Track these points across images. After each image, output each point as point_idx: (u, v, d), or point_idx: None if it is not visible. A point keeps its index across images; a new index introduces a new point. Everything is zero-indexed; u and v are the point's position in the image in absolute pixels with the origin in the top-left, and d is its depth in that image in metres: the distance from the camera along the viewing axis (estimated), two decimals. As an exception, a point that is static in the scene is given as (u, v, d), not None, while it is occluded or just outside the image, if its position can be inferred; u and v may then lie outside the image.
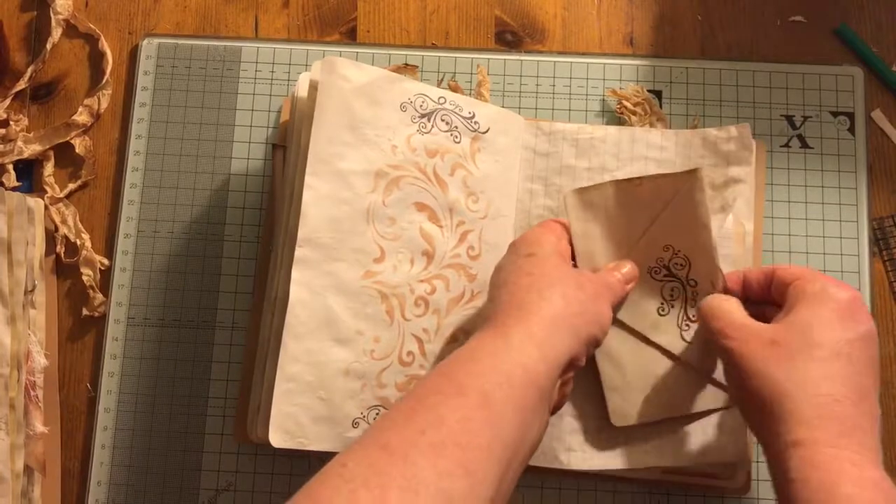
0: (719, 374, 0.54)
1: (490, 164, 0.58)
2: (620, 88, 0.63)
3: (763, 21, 0.65)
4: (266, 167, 0.63)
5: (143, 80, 0.64)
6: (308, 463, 0.59)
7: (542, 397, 0.45)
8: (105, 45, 0.65)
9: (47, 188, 0.63)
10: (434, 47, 0.65)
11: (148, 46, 0.65)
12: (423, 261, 0.56)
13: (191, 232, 0.62)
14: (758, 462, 0.58)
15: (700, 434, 0.55)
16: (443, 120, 0.57)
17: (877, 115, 0.63)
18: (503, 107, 0.61)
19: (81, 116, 0.64)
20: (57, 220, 0.62)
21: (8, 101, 0.64)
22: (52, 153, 0.64)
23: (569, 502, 0.58)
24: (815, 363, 0.44)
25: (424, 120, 0.56)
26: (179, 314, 0.61)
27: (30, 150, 0.63)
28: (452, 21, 0.65)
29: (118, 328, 0.61)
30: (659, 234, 0.53)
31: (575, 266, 0.54)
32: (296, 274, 0.52)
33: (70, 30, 0.66)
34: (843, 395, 0.43)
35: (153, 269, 0.62)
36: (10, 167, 0.63)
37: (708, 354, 0.54)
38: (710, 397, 0.54)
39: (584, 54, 0.64)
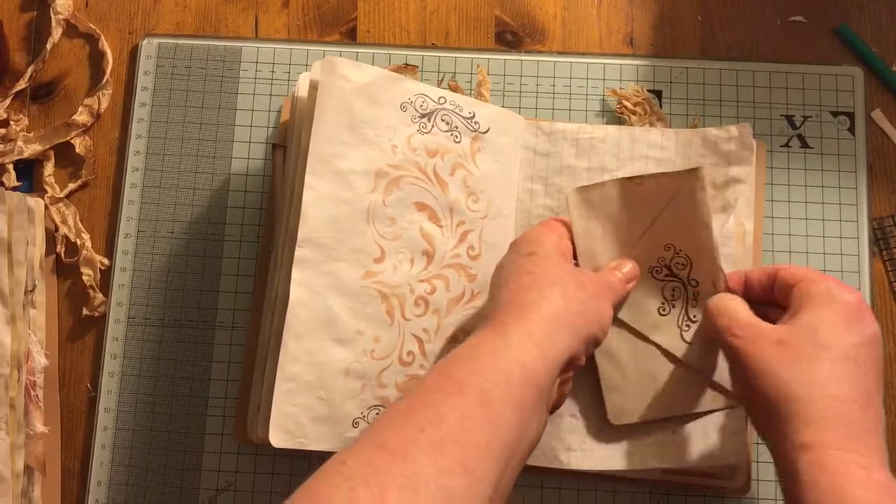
0: (719, 375, 0.54)
1: (490, 163, 0.58)
2: (620, 88, 0.63)
3: (763, 21, 0.65)
4: (266, 167, 0.63)
5: (144, 80, 0.64)
6: (308, 463, 0.59)
7: (540, 396, 0.45)
8: (105, 45, 0.65)
9: (47, 188, 0.63)
10: (434, 47, 0.65)
11: (148, 46, 0.65)
12: (423, 261, 0.56)
13: (191, 232, 0.62)
14: (758, 462, 0.58)
15: (701, 436, 0.54)
16: (443, 120, 0.57)
17: (877, 115, 0.63)
18: (503, 107, 0.61)
19: (81, 116, 0.64)
20: (57, 219, 0.62)
21: (8, 101, 0.64)
22: (52, 153, 0.64)
23: (569, 502, 0.58)
24: (823, 365, 0.44)
25: (424, 120, 0.56)
26: (179, 314, 0.61)
27: (30, 149, 0.63)
28: (452, 21, 0.65)
29: (118, 328, 0.61)
30: (660, 234, 0.53)
31: (577, 265, 0.54)
32: (296, 274, 0.52)
33: (70, 30, 0.66)
34: (850, 397, 0.43)
35: (153, 269, 0.62)
36: (11, 167, 0.63)
37: (708, 355, 0.54)
38: (709, 398, 0.54)
39: (584, 54, 0.64)
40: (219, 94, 0.64)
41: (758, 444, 0.58)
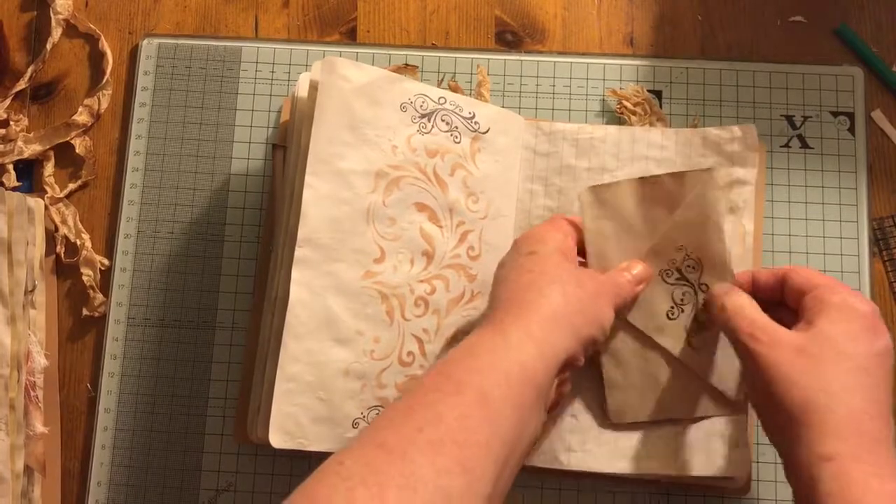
0: (722, 381, 0.54)
1: (490, 164, 0.58)
2: (620, 88, 0.63)
3: (763, 21, 0.65)
4: (266, 167, 0.63)
5: (143, 80, 0.64)
6: (308, 463, 0.59)
7: (539, 395, 0.45)
8: (105, 45, 0.65)
9: (47, 188, 0.63)
10: (434, 47, 0.65)
11: (148, 46, 0.64)
12: (423, 261, 0.56)
13: (191, 232, 0.62)
14: (758, 462, 0.58)
15: (703, 444, 0.54)
16: (443, 120, 0.57)
17: (877, 115, 0.63)
18: (503, 107, 0.61)
19: (81, 116, 0.64)
20: (57, 220, 0.62)
21: (8, 101, 0.64)
22: (52, 153, 0.64)
23: (568, 502, 0.58)
24: (840, 375, 0.44)
25: (424, 120, 0.56)
26: (179, 314, 0.61)
27: (30, 150, 0.63)
28: (452, 21, 0.65)
29: (118, 328, 0.61)
30: (672, 235, 0.53)
31: (585, 265, 0.54)
32: (296, 274, 0.52)
33: (70, 30, 0.66)
34: (863, 407, 0.43)
35: (153, 270, 0.62)
36: (11, 167, 0.63)
37: (714, 362, 0.53)
38: (712, 405, 0.54)
39: (584, 54, 0.64)
40: (219, 95, 0.64)
41: (758, 444, 0.58)
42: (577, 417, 0.56)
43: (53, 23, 0.65)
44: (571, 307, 0.47)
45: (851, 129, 0.62)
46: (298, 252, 0.52)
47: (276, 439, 0.51)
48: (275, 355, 0.52)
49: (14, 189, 0.62)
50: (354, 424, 0.53)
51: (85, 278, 0.61)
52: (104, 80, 0.64)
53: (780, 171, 0.62)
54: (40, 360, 0.59)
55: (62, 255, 0.62)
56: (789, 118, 0.63)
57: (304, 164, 0.53)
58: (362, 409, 0.53)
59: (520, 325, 0.46)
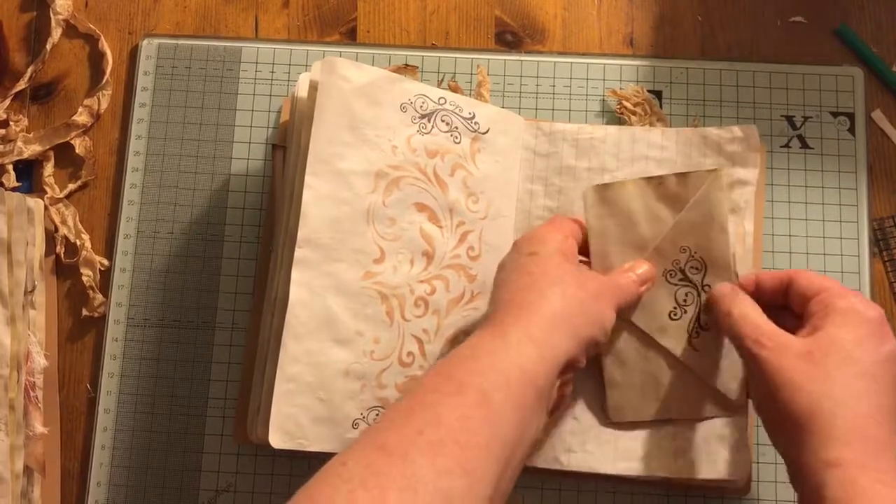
0: (723, 383, 0.53)
1: (490, 164, 0.58)
2: (620, 89, 0.63)
3: (763, 21, 0.65)
4: (266, 167, 0.63)
5: (143, 81, 0.64)
6: (308, 464, 0.59)
7: (539, 397, 0.44)
8: (105, 46, 0.65)
9: (47, 188, 0.63)
10: (434, 48, 0.65)
11: (148, 47, 0.64)
12: (422, 261, 0.55)
13: (191, 232, 0.62)
14: (758, 463, 0.58)
15: (704, 448, 0.54)
16: (443, 120, 0.57)
17: (877, 115, 0.63)
18: (503, 107, 0.61)
19: (81, 117, 0.64)
20: (57, 220, 0.62)
21: (8, 102, 0.64)
22: (51, 153, 0.64)
23: (569, 503, 0.58)
24: (847, 380, 0.44)
25: (424, 120, 0.56)
26: (179, 315, 0.61)
27: (30, 150, 0.63)
28: (452, 21, 0.65)
29: (118, 329, 0.61)
30: (676, 235, 0.53)
31: (587, 264, 0.54)
32: (296, 274, 0.52)
33: (70, 30, 0.66)
34: (869, 413, 0.43)
35: (153, 270, 0.62)
36: (10, 167, 0.63)
37: (715, 364, 0.53)
38: (711, 406, 0.54)
39: (584, 55, 0.64)
40: (219, 95, 0.64)
41: (758, 445, 0.58)
42: (578, 418, 0.56)
43: (53, 23, 0.65)
44: (572, 308, 0.47)
45: (851, 130, 0.62)
46: (298, 252, 0.52)
47: (276, 440, 0.51)
48: (274, 356, 0.52)
49: (14, 189, 0.62)
50: (354, 425, 0.53)
51: (84, 279, 0.61)
52: (104, 81, 0.64)
53: (780, 171, 0.62)
54: (40, 361, 0.59)
55: (62, 256, 0.62)
56: (789, 118, 0.63)
57: (304, 165, 0.53)
58: (362, 409, 0.53)
59: (520, 326, 0.46)
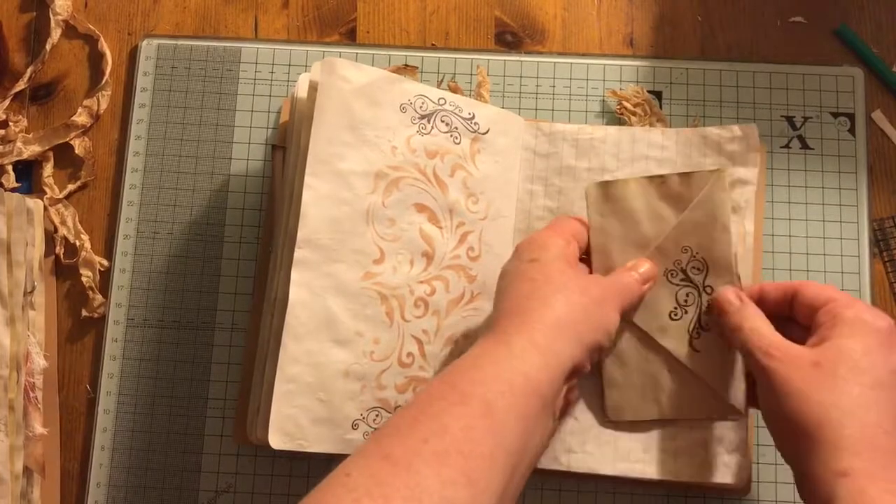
0: (722, 384, 0.53)
1: (490, 164, 0.58)
2: (620, 89, 0.63)
3: (763, 21, 0.65)
4: (266, 168, 0.63)
5: (143, 81, 0.64)
6: (308, 465, 0.59)
7: (544, 405, 0.44)
8: (104, 46, 0.65)
9: (47, 189, 0.63)
10: (434, 48, 0.65)
11: (147, 47, 0.64)
12: (422, 262, 0.55)
13: (190, 233, 0.62)
14: (758, 463, 0.58)
15: (704, 450, 0.54)
16: (442, 121, 0.57)
17: (877, 115, 0.63)
18: (503, 108, 0.61)
19: (81, 117, 0.64)
20: (56, 221, 0.62)
21: (7, 102, 0.64)
22: (51, 154, 0.64)
23: (569, 503, 0.58)
24: (861, 391, 0.44)
25: (424, 121, 0.56)
26: (179, 315, 0.61)
27: (29, 150, 0.63)
28: (452, 22, 0.65)
29: (117, 329, 0.61)
30: (678, 235, 0.53)
31: (587, 262, 0.54)
32: (295, 275, 0.52)
33: (69, 30, 0.65)
34: (878, 422, 0.43)
35: (153, 271, 0.62)
36: (10, 168, 0.63)
37: (715, 365, 0.53)
38: (711, 407, 0.54)
39: (583, 55, 0.64)
40: (218, 95, 0.64)
41: (758, 445, 0.58)
42: (578, 419, 0.56)
43: (53, 23, 0.65)
44: (575, 315, 0.47)
45: (852, 130, 0.62)
46: (298, 253, 0.52)
47: (276, 440, 0.51)
48: (274, 356, 0.52)
49: (13, 190, 0.62)
50: (354, 426, 0.53)
51: (84, 279, 0.61)
52: (103, 81, 0.64)
53: (780, 171, 0.62)
54: (39, 361, 0.59)
55: (61, 256, 0.62)
56: (789, 119, 0.63)
57: (304, 165, 0.53)
58: (362, 410, 0.53)
59: (523, 334, 0.45)
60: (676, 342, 0.53)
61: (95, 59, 0.65)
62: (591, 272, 0.54)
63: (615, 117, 0.62)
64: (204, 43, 0.65)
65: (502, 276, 0.51)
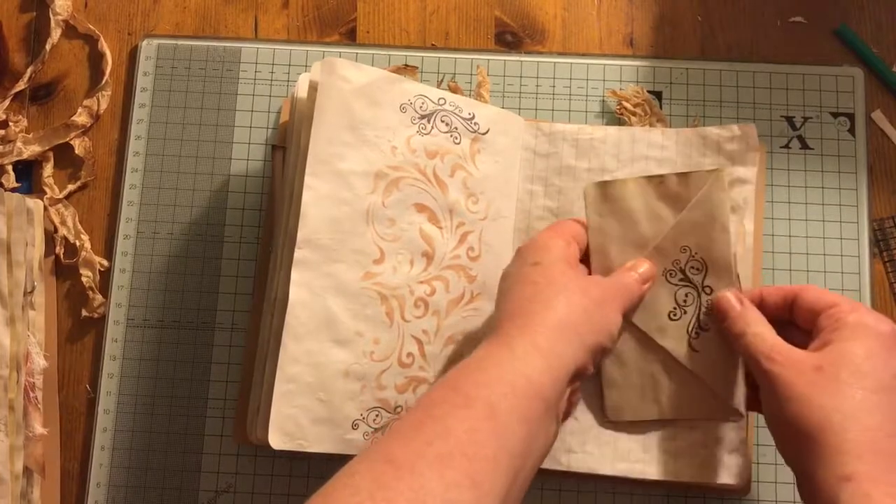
0: (721, 385, 0.53)
1: (490, 164, 0.58)
2: (620, 89, 0.63)
3: (763, 21, 0.65)
4: (266, 168, 0.63)
5: (143, 81, 0.64)
6: (308, 465, 0.59)
7: (547, 408, 0.44)
8: (104, 46, 0.65)
9: (47, 189, 0.63)
10: (434, 48, 0.65)
11: (147, 47, 0.64)
12: (422, 262, 0.55)
13: (190, 233, 0.62)
14: (758, 463, 0.58)
15: (704, 450, 0.54)
16: (442, 121, 0.57)
17: (877, 115, 0.63)
18: (503, 108, 0.61)
19: (81, 117, 0.64)
20: (56, 221, 0.62)
21: (7, 102, 0.64)
22: (51, 154, 0.64)
23: (568, 503, 0.58)
24: (864, 394, 0.44)
25: (424, 121, 0.56)
26: (179, 315, 0.61)
27: (29, 150, 0.63)
28: (452, 22, 0.65)
29: (117, 329, 0.61)
30: (677, 235, 0.53)
31: (587, 265, 0.54)
32: (295, 275, 0.52)
33: (69, 30, 0.65)
34: (881, 426, 0.43)
35: (153, 271, 0.62)
36: (10, 168, 0.63)
37: (714, 366, 0.53)
38: (710, 408, 0.54)
39: (583, 55, 0.64)
40: (218, 95, 0.64)
41: (758, 445, 0.58)
42: (578, 419, 0.56)
43: (53, 23, 0.65)
44: (577, 317, 0.47)
45: (852, 130, 0.62)
46: (298, 253, 0.52)
47: (276, 440, 0.51)
48: (274, 356, 0.52)
49: (13, 190, 0.62)
50: (354, 426, 0.53)
51: (84, 279, 0.61)
52: (103, 81, 0.64)
53: (780, 171, 0.62)
54: (39, 361, 0.59)
55: (61, 256, 0.62)
56: (789, 119, 0.63)
57: (304, 165, 0.53)
58: (362, 410, 0.53)
59: (525, 337, 0.45)
60: (675, 342, 0.53)
61: (95, 59, 0.65)
62: (590, 273, 0.54)
63: (615, 117, 0.62)
64: (204, 43, 0.65)
65: (504, 279, 0.51)
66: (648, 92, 0.63)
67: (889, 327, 0.46)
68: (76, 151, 0.63)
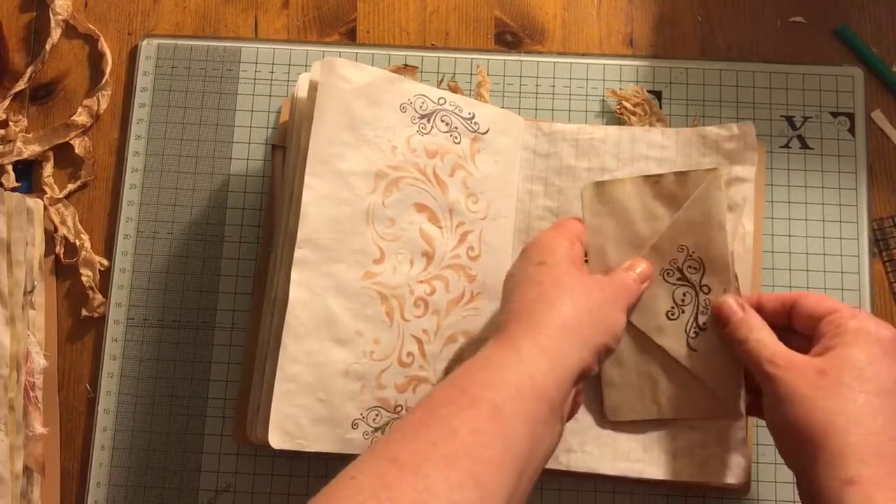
0: (720, 384, 0.53)
1: (490, 164, 0.58)
2: (620, 89, 0.63)
3: (763, 21, 0.65)
4: (266, 168, 0.63)
5: (143, 81, 0.64)
6: (307, 464, 0.59)
7: (552, 410, 0.44)
8: (104, 46, 0.65)
9: (47, 189, 0.63)
10: (434, 48, 0.65)
11: (147, 47, 0.64)
12: (422, 262, 0.55)
13: (190, 233, 0.62)
14: (758, 463, 0.58)
15: (703, 450, 0.54)
16: (442, 121, 0.57)
17: (877, 115, 0.63)
18: (503, 107, 0.61)
19: (81, 117, 0.64)
20: (56, 220, 0.62)
21: (7, 102, 0.64)
22: (51, 154, 0.64)
23: (568, 502, 0.58)
24: (867, 398, 0.44)
25: (424, 121, 0.56)
26: (179, 315, 0.61)
27: (29, 150, 0.63)
28: (452, 22, 0.65)
29: (117, 329, 0.61)
30: (674, 234, 0.53)
31: (586, 262, 0.54)
32: (295, 275, 0.52)
33: (69, 30, 0.66)
34: (884, 429, 0.43)
35: (152, 270, 0.62)
36: (10, 168, 0.63)
37: (712, 365, 0.53)
38: (709, 407, 0.54)
39: (583, 55, 0.64)
40: (218, 95, 0.64)
41: (758, 445, 0.58)
42: (578, 419, 0.56)
43: (53, 23, 0.65)
44: (583, 318, 0.47)
45: (851, 130, 0.62)
46: (298, 253, 0.52)
47: (276, 440, 0.51)
48: (274, 356, 0.52)
49: (13, 189, 0.62)
50: (354, 425, 0.53)
51: (84, 279, 0.61)
52: (103, 81, 0.64)
53: (779, 171, 0.62)
54: (39, 361, 0.59)
55: (61, 256, 0.62)
56: (789, 119, 0.63)
57: (304, 165, 0.53)
58: (362, 409, 0.53)
59: (530, 338, 0.45)
60: (674, 342, 0.53)
61: (95, 59, 0.65)
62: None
63: (615, 117, 0.63)
64: (204, 43, 0.65)
65: (509, 279, 0.51)
66: (648, 92, 0.63)
67: (890, 333, 0.46)
68: (76, 151, 0.63)
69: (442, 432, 0.41)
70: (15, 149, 0.63)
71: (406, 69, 0.64)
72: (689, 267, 0.53)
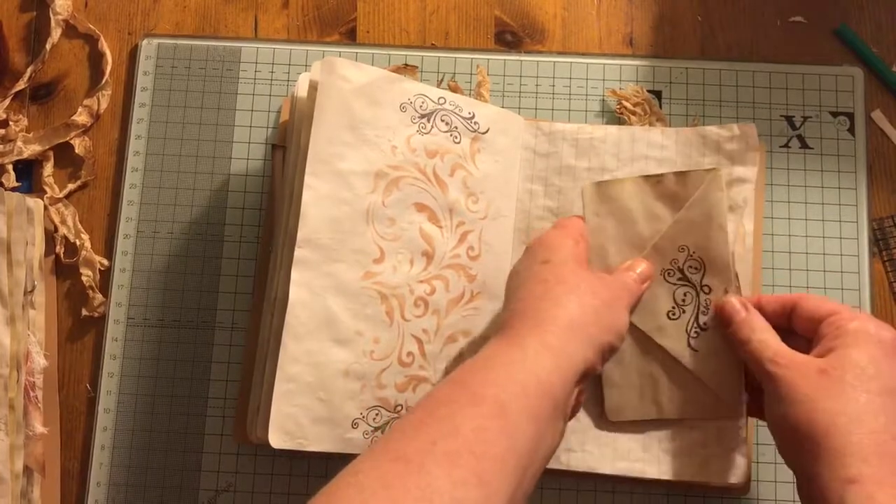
0: (720, 384, 0.53)
1: (490, 164, 0.58)
2: (620, 89, 0.63)
3: (763, 21, 0.65)
4: (266, 167, 0.63)
5: (143, 81, 0.64)
6: (308, 464, 0.59)
7: (556, 408, 0.44)
8: (104, 46, 0.65)
9: (47, 188, 0.63)
10: (434, 48, 0.65)
11: (147, 47, 0.64)
12: (422, 261, 0.55)
13: (190, 232, 0.62)
14: (758, 462, 0.58)
15: (703, 449, 0.54)
16: (442, 120, 0.57)
17: (877, 115, 0.63)
18: (503, 107, 0.61)
19: (81, 117, 0.64)
20: (56, 220, 0.62)
21: (7, 102, 0.64)
22: (51, 153, 0.64)
23: (568, 502, 0.58)
24: (868, 397, 0.44)
25: (424, 120, 0.56)
26: (179, 315, 0.61)
27: (29, 150, 0.63)
28: (452, 21, 0.65)
29: (118, 328, 0.61)
30: (675, 234, 0.53)
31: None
32: (295, 275, 0.52)
33: (69, 30, 0.66)
34: (886, 428, 0.43)
35: (153, 270, 0.62)
36: (10, 167, 0.63)
37: (713, 365, 0.53)
38: (709, 407, 0.54)
39: (583, 54, 0.64)
40: (218, 95, 0.64)
41: (758, 444, 0.58)
42: (578, 418, 0.56)
43: (53, 23, 0.65)
44: (588, 316, 0.47)
45: (851, 130, 0.62)
46: (298, 252, 0.52)
47: (276, 439, 0.51)
48: (274, 355, 0.52)
49: (13, 189, 0.62)
50: (354, 425, 0.53)
51: (84, 278, 0.61)
52: (103, 81, 0.64)
53: (779, 171, 0.62)
54: (40, 361, 0.59)
55: (62, 256, 0.62)
56: (789, 118, 0.63)
57: (304, 165, 0.53)
58: (362, 409, 0.53)
59: (535, 336, 0.45)
60: (674, 341, 0.53)
61: (95, 59, 0.65)
62: None
63: (615, 117, 0.63)
64: (204, 42, 0.65)
65: (513, 277, 0.51)
66: (648, 91, 0.63)
67: (890, 334, 0.46)
68: (76, 151, 0.63)
69: (444, 430, 0.40)
70: (15, 148, 0.63)
71: (406, 69, 0.64)
72: (690, 267, 0.53)
